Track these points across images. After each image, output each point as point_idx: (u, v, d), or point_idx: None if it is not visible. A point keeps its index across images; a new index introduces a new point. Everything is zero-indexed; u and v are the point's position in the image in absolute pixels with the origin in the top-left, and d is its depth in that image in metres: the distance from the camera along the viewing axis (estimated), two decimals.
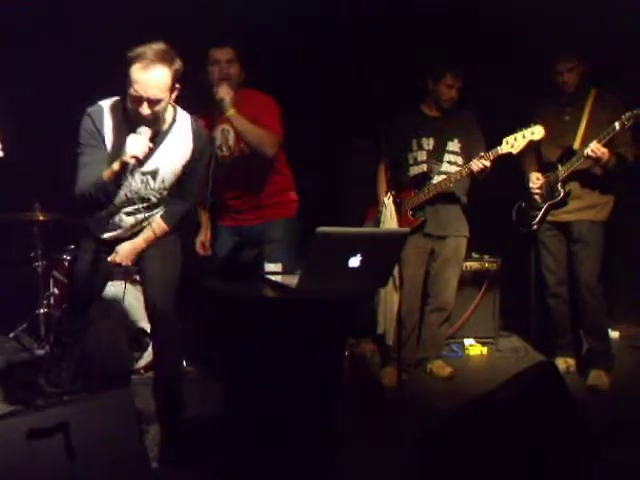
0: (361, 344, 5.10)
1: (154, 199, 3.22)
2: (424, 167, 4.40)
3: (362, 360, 4.88)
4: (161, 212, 3.28)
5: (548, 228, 4.49)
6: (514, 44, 5.07)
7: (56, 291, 4.71)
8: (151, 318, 3.41)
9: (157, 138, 3.08)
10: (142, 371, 4.38)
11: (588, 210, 4.35)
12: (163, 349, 3.42)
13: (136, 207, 3.21)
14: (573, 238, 4.40)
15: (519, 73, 5.04)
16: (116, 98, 3.09)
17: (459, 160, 4.38)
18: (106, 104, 3.09)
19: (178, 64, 2.94)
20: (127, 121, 3.04)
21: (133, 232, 3.30)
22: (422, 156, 4.42)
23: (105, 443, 2.47)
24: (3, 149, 3.07)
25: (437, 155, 4.39)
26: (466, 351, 5.18)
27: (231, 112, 3.73)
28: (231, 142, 3.95)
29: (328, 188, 5.54)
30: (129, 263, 3.29)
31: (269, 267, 3.22)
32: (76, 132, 3.12)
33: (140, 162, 2.98)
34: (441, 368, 4.59)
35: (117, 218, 3.25)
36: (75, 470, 2.39)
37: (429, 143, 4.42)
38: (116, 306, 4.14)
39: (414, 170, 4.44)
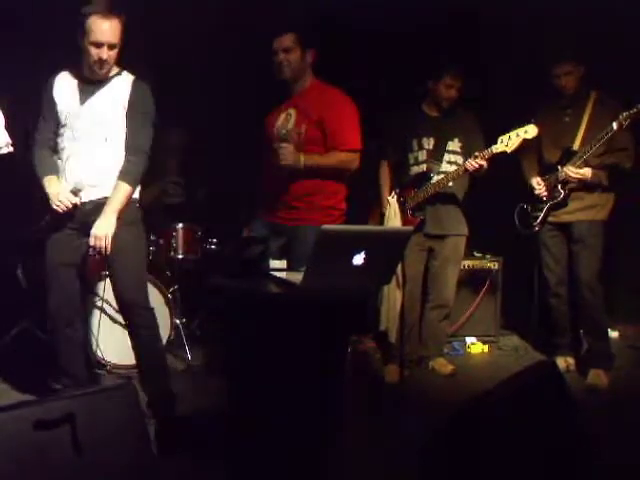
0: (363, 341, 5.13)
1: (98, 134, 3.38)
2: (424, 167, 4.43)
3: (364, 357, 4.91)
4: (118, 175, 3.38)
5: (549, 229, 4.51)
6: (514, 44, 5.09)
7: None
8: (124, 312, 3.53)
9: (101, 83, 3.39)
10: None
11: (588, 210, 4.38)
12: (142, 343, 3.51)
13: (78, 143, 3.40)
14: (573, 238, 4.43)
15: (519, 73, 5.06)
16: (69, 69, 3.46)
17: (459, 160, 4.40)
18: (62, 72, 3.46)
19: (124, 18, 3.29)
20: (77, 76, 3.42)
21: (88, 182, 3.37)
22: (422, 156, 4.45)
23: (111, 435, 2.49)
24: (14, 144, 3.10)
25: (437, 155, 4.41)
26: (467, 349, 5.21)
27: (300, 160, 3.66)
28: (290, 125, 3.80)
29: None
30: (109, 243, 3.31)
31: (274, 264, 3.24)
32: None
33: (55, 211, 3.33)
34: (443, 366, 4.62)
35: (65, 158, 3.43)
36: (81, 461, 2.41)
37: (429, 143, 4.45)
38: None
39: (415, 170, 4.46)
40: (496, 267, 5.37)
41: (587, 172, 4.21)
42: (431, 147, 4.44)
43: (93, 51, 3.24)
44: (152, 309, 3.53)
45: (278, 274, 3.05)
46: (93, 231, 3.31)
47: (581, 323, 4.56)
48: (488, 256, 5.39)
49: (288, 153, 3.66)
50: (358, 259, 2.71)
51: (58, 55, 3.57)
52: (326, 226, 2.69)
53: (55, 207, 3.29)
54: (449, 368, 4.60)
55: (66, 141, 3.40)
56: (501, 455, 2.27)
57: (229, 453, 2.98)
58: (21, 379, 4.13)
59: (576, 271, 4.43)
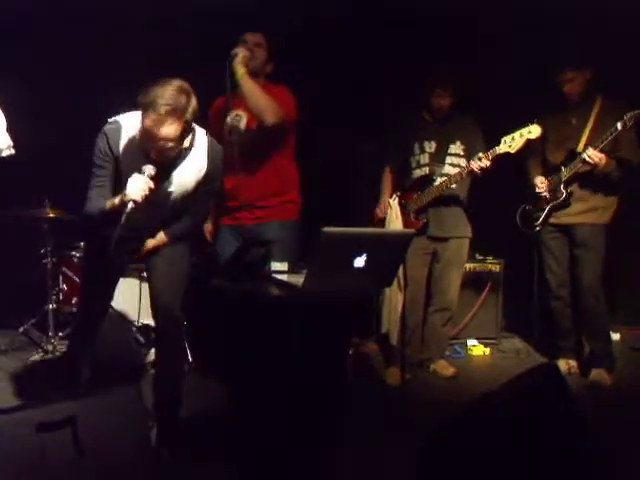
0: (365, 344, 5.13)
1: (173, 209, 3.25)
2: (426, 170, 4.44)
3: (366, 359, 4.91)
4: (168, 227, 3.31)
5: (551, 230, 4.51)
6: (515, 44, 5.09)
7: (65, 287, 4.76)
8: (156, 316, 3.41)
9: (175, 160, 3.11)
10: (149, 367, 4.41)
11: (591, 213, 4.38)
12: (167, 347, 3.43)
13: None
14: (575, 241, 4.43)
15: (521, 74, 5.06)
16: (136, 113, 3.02)
17: (462, 162, 4.40)
18: (124, 121, 3.08)
19: (190, 112, 2.93)
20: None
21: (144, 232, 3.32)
22: (424, 159, 4.45)
23: (113, 438, 2.50)
24: (15, 146, 3.11)
25: (439, 157, 4.42)
26: (469, 351, 5.21)
27: (241, 71, 3.65)
28: (242, 128, 3.84)
29: (337, 191, 5.56)
30: (143, 194, 3.07)
31: (275, 266, 3.24)
32: (87, 128, 3.18)
33: (138, 204, 2.96)
34: (444, 368, 4.62)
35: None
36: (83, 464, 2.42)
37: (431, 146, 4.45)
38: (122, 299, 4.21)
39: (417, 173, 4.47)
40: (497, 269, 5.37)
41: (604, 158, 4.17)
42: (433, 150, 4.44)
43: (143, 143, 3.02)
44: (182, 317, 3.46)
45: (279, 276, 3.06)
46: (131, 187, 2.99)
47: (583, 326, 4.55)
48: (490, 258, 5.39)
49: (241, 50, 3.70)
50: (359, 261, 2.71)
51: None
52: (328, 228, 2.69)
53: (132, 197, 2.93)
54: (450, 370, 4.60)
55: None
56: (502, 457, 2.27)
57: (229, 454, 2.98)
58: (23, 381, 4.14)
59: (578, 275, 4.43)
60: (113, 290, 3.50)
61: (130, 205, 2.92)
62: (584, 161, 4.18)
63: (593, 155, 4.14)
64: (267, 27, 3.96)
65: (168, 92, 2.86)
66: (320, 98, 4.04)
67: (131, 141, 3.06)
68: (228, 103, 3.81)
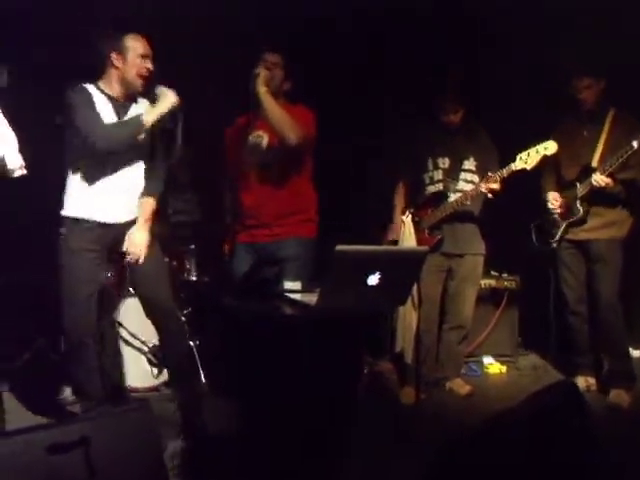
0: (379, 363, 5.09)
1: (135, 156, 3.50)
2: (440, 186, 4.42)
3: (380, 379, 4.87)
4: (142, 192, 3.54)
5: (567, 247, 4.47)
6: (517, 46, 5.07)
7: None
8: (161, 321, 3.63)
9: (129, 102, 3.50)
10: (161, 387, 4.40)
11: (607, 228, 4.33)
12: (177, 346, 3.68)
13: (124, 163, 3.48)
14: (592, 256, 4.38)
15: (536, 89, 5.04)
16: (88, 83, 3.45)
17: (475, 178, 4.39)
18: (89, 86, 3.44)
19: None
20: (108, 98, 3.45)
21: (122, 211, 3.50)
22: (438, 175, 4.44)
23: (126, 459, 2.47)
24: (26, 167, 3.12)
25: (453, 174, 4.41)
26: (485, 369, 5.15)
27: (262, 90, 3.66)
28: (263, 148, 3.86)
29: (347, 207, 5.54)
30: (140, 250, 3.48)
31: (288, 285, 3.23)
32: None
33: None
34: (460, 386, 4.57)
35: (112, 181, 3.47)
36: None
37: (445, 162, 4.44)
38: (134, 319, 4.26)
39: (431, 189, 4.46)
40: (513, 286, 5.33)
41: (610, 183, 4.15)
42: (447, 166, 4.43)
43: (141, 64, 3.40)
44: (176, 307, 3.76)
45: (292, 295, 3.04)
46: (132, 242, 3.48)
47: (601, 343, 4.49)
48: (505, 275, 5.35)
49: (262, 69, 3.74)
50: (373, 279, 2.69)
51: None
52: (341, 246, 2.67)
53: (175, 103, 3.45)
54: (466, 389, 4.55)
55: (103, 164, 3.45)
56: (518, 475, 2.23)
57: (244, 474, 2.95)
58: (36, 401, 4.13)
59: (596, 291, 4.38)
60: (96, 294, 3.55)
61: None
62: (593, 186, 4.16)
63: (600, 180, 4.13)
64: (267, 28, 3.98)
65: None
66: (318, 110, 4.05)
67: (97, 97, 3.43)
68: (250, 122, 3.88)
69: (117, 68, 3.41)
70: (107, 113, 3.42)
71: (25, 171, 3.12)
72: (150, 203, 3.55)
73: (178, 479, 3.08)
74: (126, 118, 3.45)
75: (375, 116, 5.39)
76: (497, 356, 5.26)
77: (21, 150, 3.14)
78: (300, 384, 2.77)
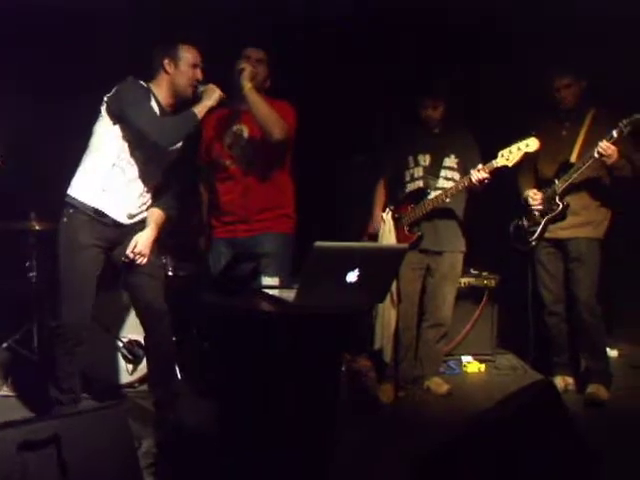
0: (358, 360, 5.06)
1: (166, 164, 3.58)
2: (421, 183, 4.41)
3: (359, 376, 4.84)
4: (157, 202, 3.62)
5: (545, 246, 4.46)
6: (513, 57, 5.08)
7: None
8: (151, 320, 3.64)
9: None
10: (136, 384, 4.35)
11: (585, 227, 4.33)
12: (162, 345, 3.68)
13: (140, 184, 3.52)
14: (570, 256, 4.38)
15: (517, 86, 5.04)
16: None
17: (456, 176, 4.38)
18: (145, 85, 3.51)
19: None
20: (157, 103, 3.50)
21: (130, 207, 3.53)
22: (419, 172, 4.43)
23: (98, 457, 2.44)
24: (2, 160, 3.07)
25: (433, 171, 4.40)
26: (464, 368, 5.16)
27: (248, 86, 3.68)
28: (244, 142, 3.89)
29: (327, 204, 5.51)
30: (148, 252, 3.53)
31: (266, 280, 3.20)
32: (72, 139, 3.40)
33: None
34: (438, 385, 4.55)
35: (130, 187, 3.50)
36: None
37: (425, 159, 4.43)
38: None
39: (411, 186, 4.44)
40: (493, 284, 5.32)
41: (616, 151, 4.04)
42: (427, 163, 4.42)
43: (191, 73, 3.50)
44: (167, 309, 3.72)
45: (270, 291, 3.01)
46: (141, 242, 3.53)
47: (579, 343, 4.50)
48: (485, 273, 5.34)
49: (246, 65, 3.75)
50: (352, 276, 2.67)
51: None
52: (320, 243, 2.65)
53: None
54: (445, 388, 4.54)
55: (132, 165, 3.49)
56: (498, 475, 2.23)
57: (220, 473, 2.92)
58: (8, 399, 4.10)
59: (574, 291, 4.38)
60: (95, 289, 3.55)
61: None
62: (599, 154, 4.04)
63: (606, 147, 4.02)
64: (258, 37, 3.97)
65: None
66: (306, 107, 4.02)
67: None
68: (231, 116, 3.90)
69: (168, 74, 3.50)
70: None
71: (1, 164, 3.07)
72: (160, 214, 3.63)
73: (153, 478, 3.04)
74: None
75: (362, 115, 5.36)
76: (476, 355, 5.27)
77: None
78: (276, 381, 2.74)
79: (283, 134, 3.73)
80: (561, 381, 4.46)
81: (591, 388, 4.32)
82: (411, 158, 4.44)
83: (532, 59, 4.87)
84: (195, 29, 4.21)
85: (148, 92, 3.46)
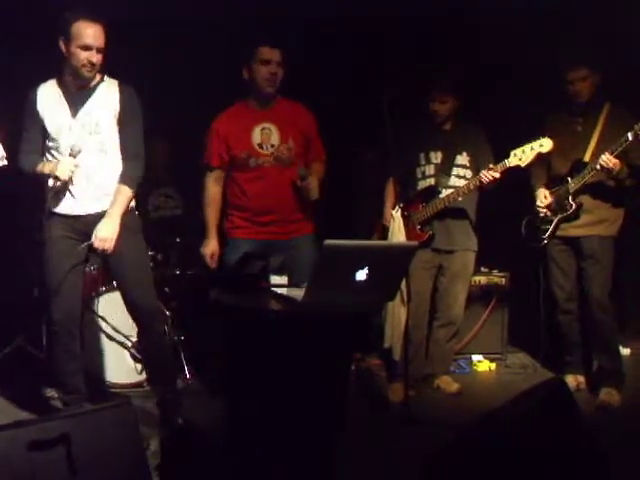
0: (367, 359, 5.05)
1: (94, 146, 3.42)
2: (432, 181, 4.38)
3: (368, 375, 4.83)
4: (118, 178, 3.48)
5: (557, 243, 4.42)
6: (528, 56, 5.05)
7: None
8: (143, 319, 3.61)
9: (88, 91, 3.43)
10: (144, 384, 4.35)
11: (598, 225, 4.29)
12: (156, 344, 3.67)
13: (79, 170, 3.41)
14: (583, 254, 4.34)
15: (530, 84, 5.02)
16: (52, 79, 3.47)
17: (468, 173, 4.35)
18: (43, 84, 3.46)
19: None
20: (62, 87, 3.43)
21: (88, 203, 3.45)
22: (430, 170, 4.40)
23: (107, 456, 2.44)
24: (7, 158, 3.07)
25: (445, 169, 4.37)
26: (474, 367, 5.12)
27: (316, 194, 3.83)
28: (275, 141, 3.87)
29: (339, 201, 5.50)
30: (112, 245, 3.41)
31: (274, 279, 3.19)
32: None
33: (64, 181, 3.35)
34: (448, 384, 4.54)
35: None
36: None
37: (437, 157, 4.40)
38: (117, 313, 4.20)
39: (422, 184, 4.41)
40: (503, 283, 5.29)
41: (618, 164, 4.02)
42: (439, 161, 4.39)
43: (82, 55, 3.29)
44: (159, 306, 3.75)
45: (279, 290, 3.00)
46: (97, 233, 3.39)
47: (592, 341, 4.45)
48: (495, 271, 5.31)
49: (315, 187, 3.82)
50: (361, 275, 2.65)
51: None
52: (329, 241, 2.64)
53: (61, 177, 3.32)
54: (455, 386, 4.52)
55: (59, 156, 3.41)
56: (509, 474, 2.21)
57: (229, 473, 2.91)
58: (17, 397, 4.11)
59: (587, 289, 4.34)
60: (81, 282, 3.56)
61: (56, 182, 3.33)
62: (601, 167, 4.04)
63: (608, 160, 4.00)
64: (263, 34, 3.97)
65: (91, 8, 3.34)
66: (317, 105, 4.03)
67: (47, 90, 3.44)
68: (256, 115, 3.90)
69: (63, 55, 3.37)
70: (60, 109, 3.42)
71: (6, 162, 3.06)
72: (123, 192, 3.47)
73: (161, 477, 3.04)
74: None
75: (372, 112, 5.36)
76: (486, 354, 5.23)
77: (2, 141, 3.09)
78: (286, 380, 2.73)
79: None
80: (573, 380, 4.43)
81: (604, 394, 4.27)
82: (422, 155, 4.41)
83: (547, 56, 4.84)
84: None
85: (32, 103, 3.42)
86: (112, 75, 3.53)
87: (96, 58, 3.31)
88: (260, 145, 3.86)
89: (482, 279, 5.24)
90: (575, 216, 4.28)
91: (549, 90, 4.57)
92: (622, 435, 3.59)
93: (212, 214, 4.02)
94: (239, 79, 3.89)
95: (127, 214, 3.49)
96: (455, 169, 4.36)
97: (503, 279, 5.29)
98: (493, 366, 5.14)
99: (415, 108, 4.51)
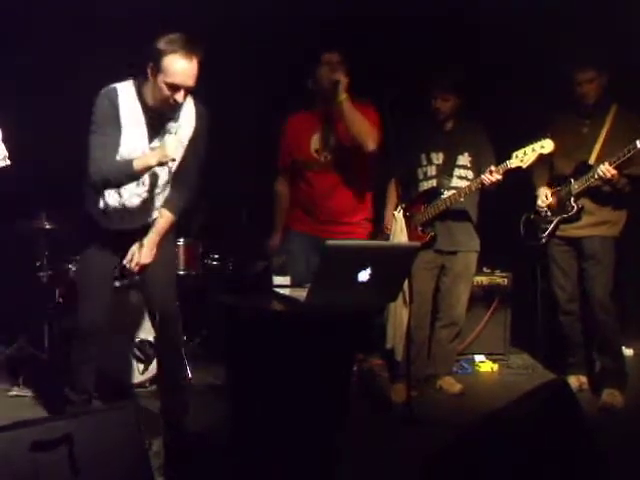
0: (370, 359, 5.05)
1: (162, 180, 3.30)
2: (434, 182, 4.38)
3: (371, 375, 4.83)
4: (163, 202, 3.34)
5: (558, 243, 4.42)
6: (528, 56, 5.05)
7: (61, 301, 4.68)
8: (163, 324, 3.51)
9: (168, 113, 3.20)
10: (147, 384, 4.35)
11: (600, 226, 4.28)
12: (169, 350, 3.57)
13: (145, 188, 3.28)
14: (584, 254, 4.33)
15: (530, 84, 5.02)
16: (129, 81, 3.20)
17: (469, 174, 4.35)
18: (120, 86, 3.19)
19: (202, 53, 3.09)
20: (142, 105, 3.18)
21: (138, 219, 3.35)
22: (432, 171, 4.40)
23: (109, 456, 2.43)
24: (10, 157, 3.06)
25: (447, 169, 4.36)
26: (476, 367, 5.13)
27: (343, 96, 3.73)
28: (333, 143, 3.95)
29: None
30: (149, 260, 3.33)
31: (277, 280, 3.19)
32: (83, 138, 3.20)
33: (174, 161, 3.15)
34: (451, 385, 4.53)
35: (124, 199, 3.28)
36: None
37: (439, 157, 4.40)
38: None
39: (424, 185, 4.41)
40: (505, 283, 5.29)
41: (616, 175, 4.05)
42: (440, 162, 4.39)
43: (167, 92, 3.06)
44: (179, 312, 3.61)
45: (282, 290, 3.00)
46: (134, 257, 3.31)
47: (594, 342, 4.45)
48: (497, 272, 5.32)
49: (342, 75, 3.76)
50: (363, 275, 2.65)
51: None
52: (331, 241, 2.65)
53: (173, 156, 3.10)
54: (457, 387, 4.52)
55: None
56: (510, 474, 2.21)
57: (231, 472, 2.91)
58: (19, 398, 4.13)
59: (588, 289, 4.33)
60: (111, 293, 3.52)
61: (170, 164, 3.13)
62: (599, 176, 4.07)
63: (606, 171, 4.02)
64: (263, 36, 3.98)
65: (180, 35, 3.02)
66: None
67: (129, 103, 3.17)
68: (318, 120, 3.99)
69: (149, 78, 3.12)
70: (138, 131, 3.18)
71: (9, 162, 3.06)
72: (166, 218, 3.34)
73: (163, 478, 3.03)
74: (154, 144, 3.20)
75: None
76: (489, 354, 5.24)
77: (5, 140, 3.08)
78: (289, 381, 2.73)
79: (375, 144, 3.83)
80: (575, 381, 4.42)
81: (606, 395, 4.26)
82: (424, 156, 4.40)
83: (548, 57, 4.84)
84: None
85: (113, 108, 3.13)
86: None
87: (182, 97, 3.09)
88: (318, 150, 3.98)
89: (484, 279, 5.25)
90: (576, 218, 4.28)
91: (549, 90, 4.57)
92: (625, 436, 3.59)
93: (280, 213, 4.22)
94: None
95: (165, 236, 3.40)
96: (457, 170, 4.36)
97: (505, 280, 5.29)
98: (495, 367, 5.15)
99: (416, 108, 4.51)
